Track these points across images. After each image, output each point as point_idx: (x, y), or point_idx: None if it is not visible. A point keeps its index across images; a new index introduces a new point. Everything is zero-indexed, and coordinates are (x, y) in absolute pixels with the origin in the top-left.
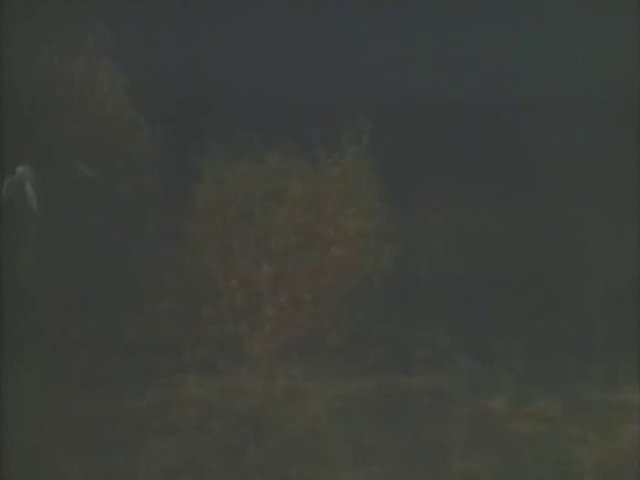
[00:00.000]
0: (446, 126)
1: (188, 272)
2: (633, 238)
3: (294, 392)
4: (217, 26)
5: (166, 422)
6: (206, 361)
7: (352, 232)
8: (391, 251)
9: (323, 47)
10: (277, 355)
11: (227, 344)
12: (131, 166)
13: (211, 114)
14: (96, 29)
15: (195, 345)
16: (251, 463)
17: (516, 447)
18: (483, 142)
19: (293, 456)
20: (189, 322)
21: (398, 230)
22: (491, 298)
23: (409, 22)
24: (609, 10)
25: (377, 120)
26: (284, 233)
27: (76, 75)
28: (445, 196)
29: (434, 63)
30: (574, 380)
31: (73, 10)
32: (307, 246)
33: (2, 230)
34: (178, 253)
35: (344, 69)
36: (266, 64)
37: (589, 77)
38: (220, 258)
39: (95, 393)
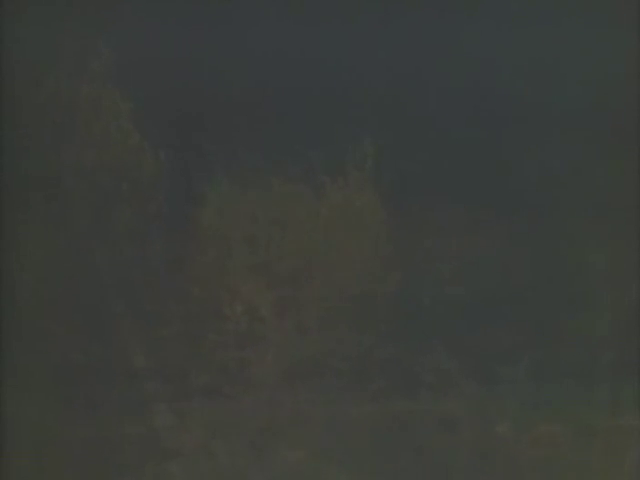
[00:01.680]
0: (452, 150)
1: (192, 297)
2: (637, 261)
3: (298, 417)
4: (219, 49)
5: (170, 447)
6: (210, 386)
7: (356, 257)
8: (395, 276)
9: (326, 67)
10: (281, 380)
11: (231, 369)
12: (135, 191)
13: (215, 139)
14: (100, 53)
15: (199, 370)
16: None
17: (521, 472)
18: (489, 167)
19: None
20: (193, 347)
21: (402, 255)
22: (496, 323)
23: (415, 42)
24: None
25: (382, 145)
26: (288, 258)
27: (80, 100)
28: (450, 221)
29: (439, 86)
30: (579, 405)
31: (77, 34)
32: (311, 271)
33: (2, 253)
34: (182, 278)
35: (347, 93)
36: (270, 88)
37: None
38: (224, 283)
39: (98, 418)
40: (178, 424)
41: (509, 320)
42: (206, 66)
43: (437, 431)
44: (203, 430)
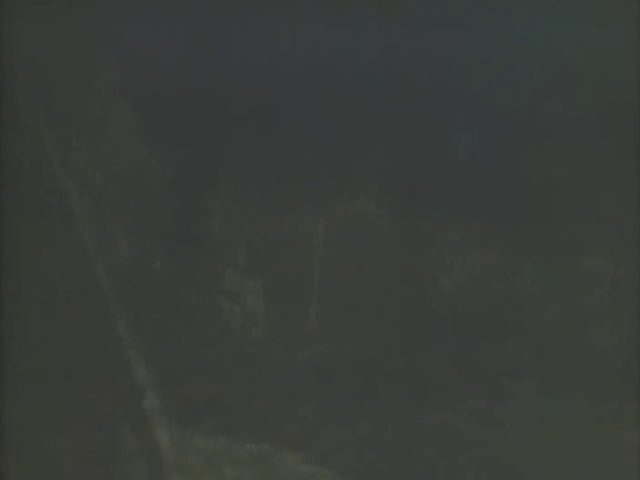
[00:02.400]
0: (458, 164)
1: (197, 310)
2: None
3: (304, 433)
4: (226, 66)
5: (176, 462)
6: (216, 400)
7: (363, 271)
8: (402, 290)
9: (332, 86)
10: (286, 395)
11: (236, 383)
12: (142, 205)
13: (222, 153)
14: (107, 68)
15: (204, 385)
16: None
17: None
18: (495, 181)
19: None
20: (198, 361)
21: (409, 269)
22: (503, 338)
23: (426, 54)
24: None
25: (389, 160)
26: (293, 272)
27: (88, 115)
28: (457, 235)
29: (448, 100)
30: (585, 420)
31: (84, 49)
32: (317, 285)
33: (4, 261)
34: (187, 291)
35: (355, 109)
36: (277, 103)
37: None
38: (229, 296)
39: (103, 434)
40: (184, 438)
41: (517, 336)
42: (215, 81)
43: (443, 445)
44: (209, 444)
